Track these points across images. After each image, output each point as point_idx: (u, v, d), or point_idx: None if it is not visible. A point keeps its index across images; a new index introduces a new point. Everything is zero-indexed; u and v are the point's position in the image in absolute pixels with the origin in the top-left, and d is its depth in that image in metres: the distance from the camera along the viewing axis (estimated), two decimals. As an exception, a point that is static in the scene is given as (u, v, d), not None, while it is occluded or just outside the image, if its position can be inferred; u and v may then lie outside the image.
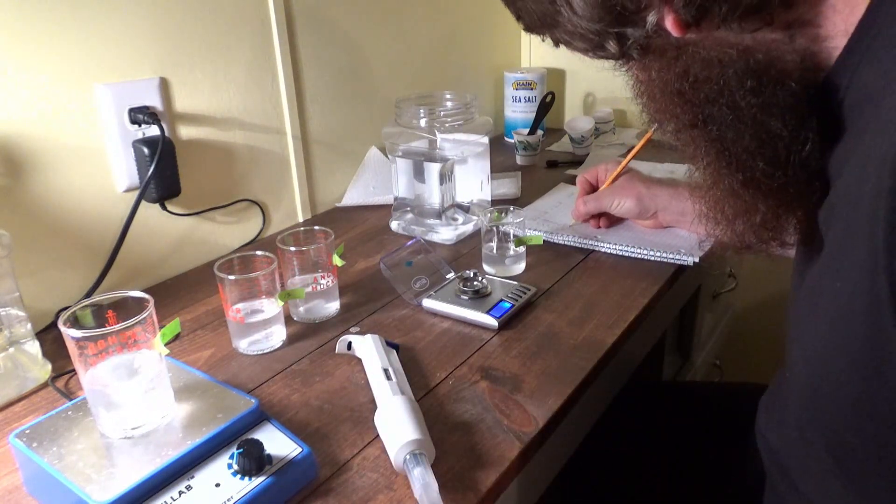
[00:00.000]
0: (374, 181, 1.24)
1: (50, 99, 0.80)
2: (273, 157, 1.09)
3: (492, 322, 0.77)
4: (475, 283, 0.82)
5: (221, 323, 0.80)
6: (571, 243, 0.98)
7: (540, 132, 1.43)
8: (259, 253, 0.75)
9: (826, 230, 0.46)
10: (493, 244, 0.91)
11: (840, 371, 0.43)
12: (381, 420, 0.59)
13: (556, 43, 0.60)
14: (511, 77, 1.57)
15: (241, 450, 0.52)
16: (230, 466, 0.52)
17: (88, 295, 0.86)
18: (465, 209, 1.08)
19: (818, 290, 0.46)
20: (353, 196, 1.22)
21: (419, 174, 1.04)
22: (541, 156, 1.43)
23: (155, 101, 0.89)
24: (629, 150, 1.10)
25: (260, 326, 0.74)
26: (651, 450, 0.87)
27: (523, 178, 1.27)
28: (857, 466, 0.46)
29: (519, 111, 1.58)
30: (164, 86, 0.91)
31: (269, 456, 0.53)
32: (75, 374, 0.67)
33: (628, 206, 0.96)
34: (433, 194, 1.03)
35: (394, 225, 1.09)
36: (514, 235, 0.91)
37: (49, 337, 0.77)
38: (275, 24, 1.04)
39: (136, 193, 0.88)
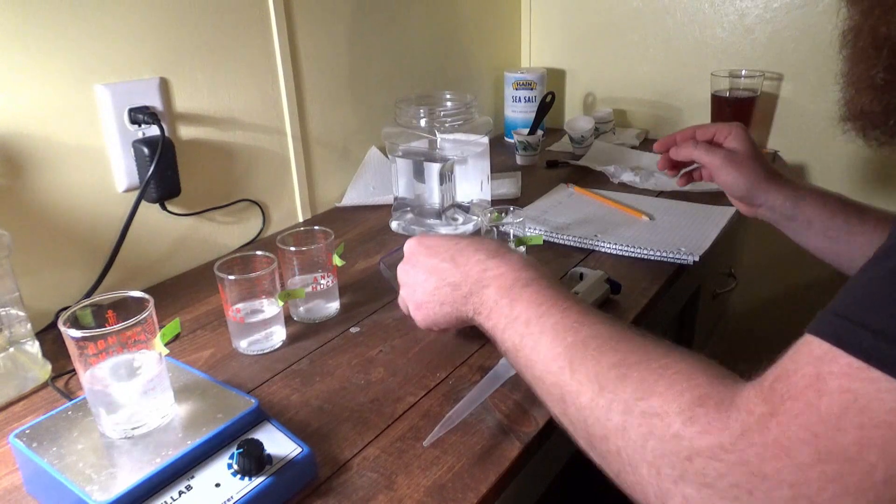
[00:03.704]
0: (374, 181, 1.24)
1: (50, 99, 0.80)
2: (273, 157, 1.09)
3: (492, 322, 0.77)
4: (475, 283, 0.82)
5: (221, 323, 0.80)
6: (571, 243, 0.98)
7: (540, 132, 1.43)
8: (259, 253, 0.75)
9: None
10: (493, 244, 0.91)
11: None
12: None
13: None
14: (511, 77, 1.57)
15: (241, 450, 0.52)
16: (230, 466, 0.52)
17: (88, 295, 0.86)
18: (465, 209, 1.08)
19: None
20: (353, 196, 1.22)
21: (419, 174, 1.04)
22: (541, 156, 1.44)
23: (155, 101, 0.89)
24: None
25: (260, 326, 0.74)
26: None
27: (523, 178, 1.27)
28: None
29: (519, 111, 1.58)
30: (164, 86, 0.91)
31: (269, 456, 0.53)
32: (75, 374, 0.67)
33: (738, 184, 0.83)
34: (433, 194, 1.03)
35: (394, 225, 1.09)
36: (514, 235, 0.91)
37: (49, 337, 0.77)
38: (275, 24, 1.04)
39: (136, 193, 0.88)
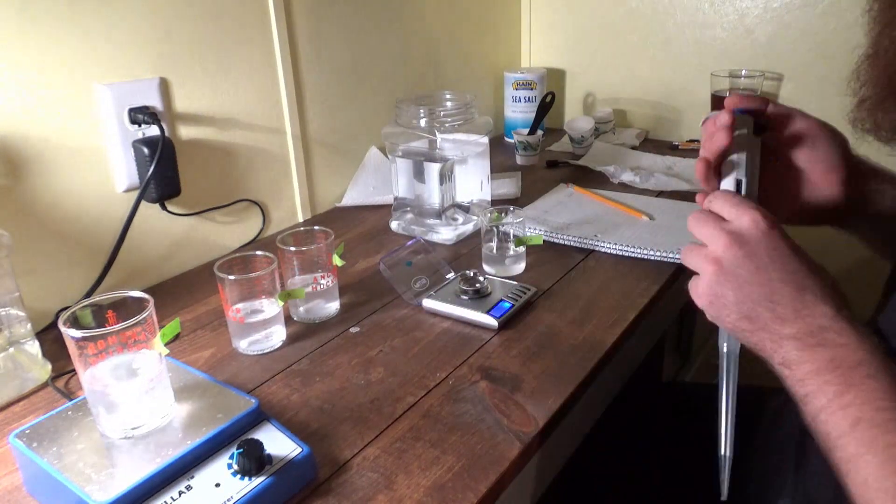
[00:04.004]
0: (374, 181, 1.24)
1: (50, 99, 0.80)
2: (273, 157, 1.09)
3: (492, 322, 0.77)
4: (475, 283, 0.82)
5: (221, 323, 0.80)
6: (571, 243, 0.98)
7: (540, 132, 1.43)
8: (259, 253, 0.75)
9: None
10: (493, 244, 0.91)
11: None
12: None
13: None
14: (511, 77, 1.57)
15: (241, 450, 0.52)
16: (230, 466, 0.52)
17: (88, 295, 0.86)
18: (465, 209, 1.08)
19: None
20: (353, 196, 1.22)
21: (419, 174, 1.04)
22: (541, 156, 1.43)
23: (155, 101, 0.89)
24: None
25: (260, 326, 0.74)
26: (651, 450, 0.87)
27: (523, 178, 1.27)
28: None
29: (519, 111, 1.58)
30: (164, 86, 0.91)
31: (269, 456, 0.53)
32: (75, 374, 0.67)
33: (821, 147, 0.62)
34: (433, 194, 1.03)
35: (394, 225, 1.09)
36: (514, 235, 0.91)
37: (49, 337, 0.77)
38: (275, 25, 1.04)
39: (136, 193, 0.88)
